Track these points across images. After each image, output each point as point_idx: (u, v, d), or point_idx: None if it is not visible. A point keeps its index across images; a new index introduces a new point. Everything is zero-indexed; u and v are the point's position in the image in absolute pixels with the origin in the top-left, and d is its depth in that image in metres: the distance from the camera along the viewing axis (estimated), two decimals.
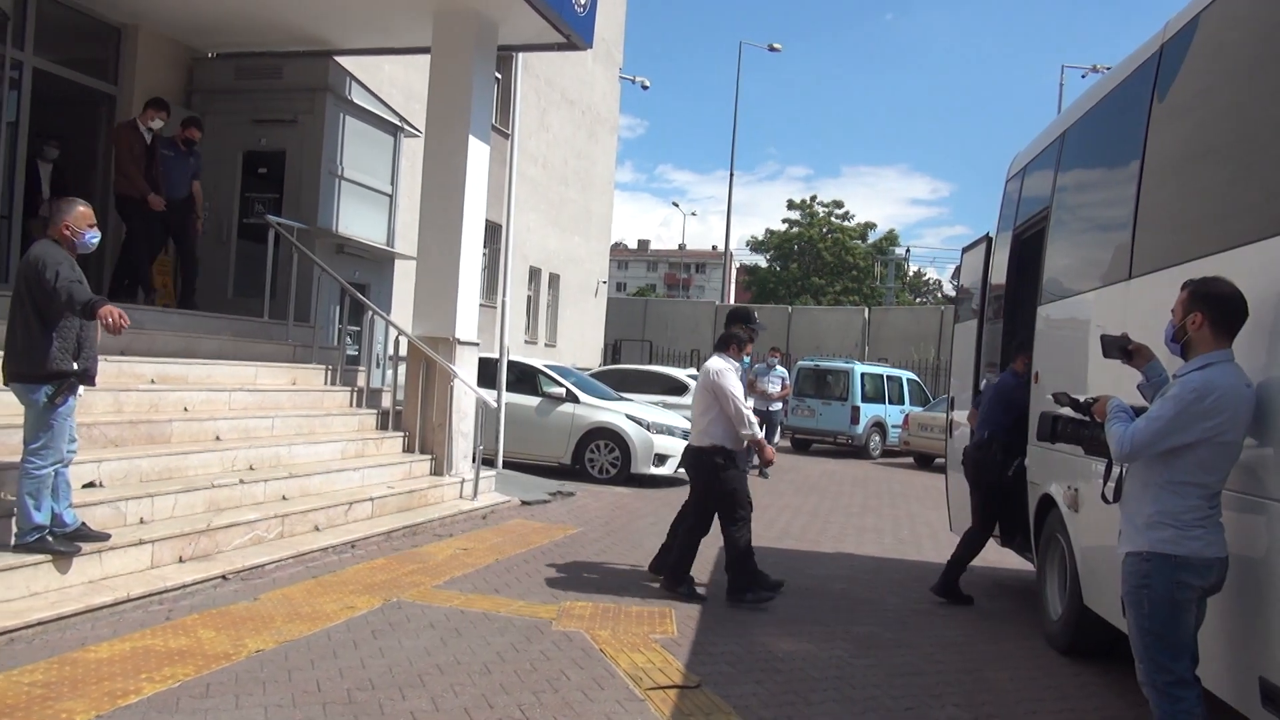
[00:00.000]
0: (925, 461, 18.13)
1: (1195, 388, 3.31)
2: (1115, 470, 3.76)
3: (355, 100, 10.91)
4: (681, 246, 78.35)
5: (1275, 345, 3.47)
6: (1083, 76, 28.52)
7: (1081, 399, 4.01)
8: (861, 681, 4.90)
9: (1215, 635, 3.62)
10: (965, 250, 8.75)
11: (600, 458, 12.11)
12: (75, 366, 4.97)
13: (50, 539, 5.00)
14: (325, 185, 10.54)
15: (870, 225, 51.82)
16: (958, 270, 10.68)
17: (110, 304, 4.88)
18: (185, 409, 7.48)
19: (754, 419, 6.54)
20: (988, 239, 7.87)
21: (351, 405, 9.46)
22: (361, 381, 9.83)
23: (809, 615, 6.21)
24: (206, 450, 7.05)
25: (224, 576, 5.82)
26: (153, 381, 7.48)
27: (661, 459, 12.13)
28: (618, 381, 15.03)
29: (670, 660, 4.95)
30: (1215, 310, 3.38)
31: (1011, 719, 4.59)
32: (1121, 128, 5.36)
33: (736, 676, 4.80)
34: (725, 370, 6.48)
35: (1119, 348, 3.79)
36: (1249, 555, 3.51)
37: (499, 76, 13.30)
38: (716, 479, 6.43)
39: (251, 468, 7.29)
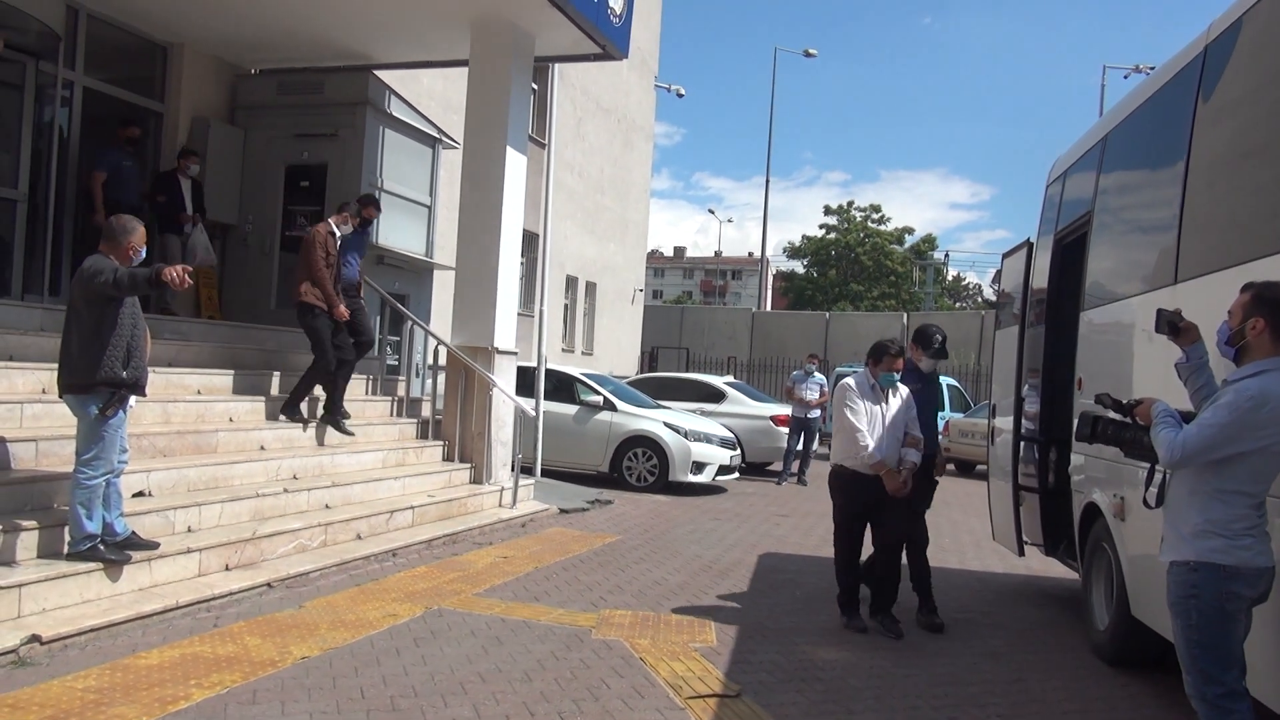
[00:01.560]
0: (966, 468, 17.88)
1: (1252, 395, 3.23)
2: (1158, 475, 3.70)
3: (394, 113, 11.06)
4: (718, 253, 78.11)
5: None
6: (1125, 77, 28.10)
7: (1125, 401, 3.96)
8: (903, 691, 4.86)
9: (1265, 645, 3.54)
10: (1006, 255, 8.65)
11: (638, 466, 12.12)
12: (125, 375, 5.10)
13: (102, 547, 5.12)
14: None
15: (908, 229, 51.42)
16: (998, 275, 10.54)
17: (166, 266, 5.00)
18: (230, 419, 7.62)
19: (870, 442, 5.89)
20: (1029, 244, 7.78)
21: (392, 415, 9.58)
22: (401, 391, 9.96)
23: None
24: (251, 460, 7.18)
25: (269, 584, 5.91)
26: (199, 392, 7.64)
27: (700, 467, 12.11)
28: (655, 389, 15.01)
29: (710, 669, 4.94)
30: (1278, 316, 3.31)
31: None
32: (1166, 130, 5.28)
33: (777, 685, 4.78)
34: (845, 388, 6.08)
35: (1169, 323, 3.74)
36: None
37: (535, 87, 13.44)
38: (832, 496, 6.29)
39: (295, 477, 7.41)
